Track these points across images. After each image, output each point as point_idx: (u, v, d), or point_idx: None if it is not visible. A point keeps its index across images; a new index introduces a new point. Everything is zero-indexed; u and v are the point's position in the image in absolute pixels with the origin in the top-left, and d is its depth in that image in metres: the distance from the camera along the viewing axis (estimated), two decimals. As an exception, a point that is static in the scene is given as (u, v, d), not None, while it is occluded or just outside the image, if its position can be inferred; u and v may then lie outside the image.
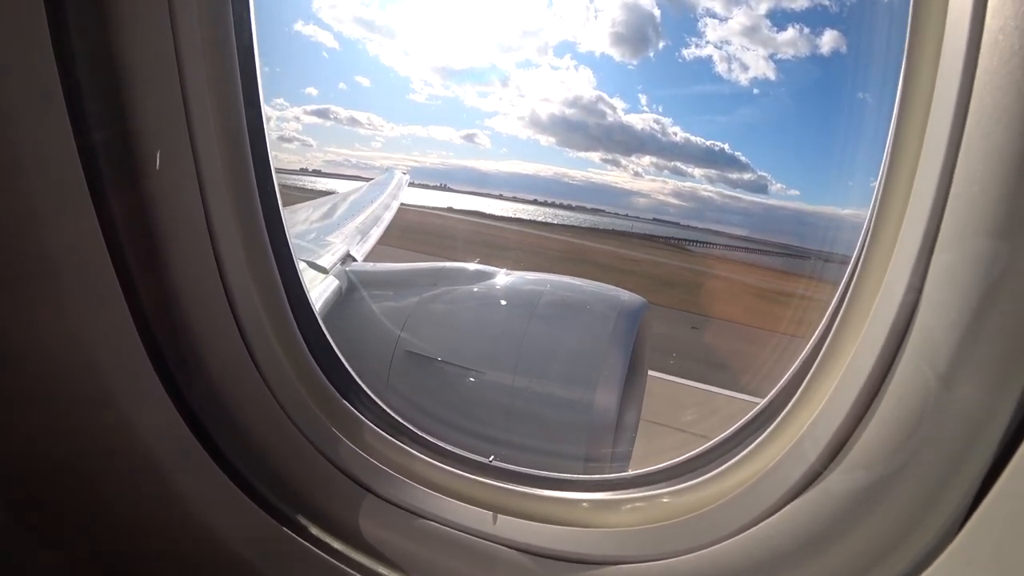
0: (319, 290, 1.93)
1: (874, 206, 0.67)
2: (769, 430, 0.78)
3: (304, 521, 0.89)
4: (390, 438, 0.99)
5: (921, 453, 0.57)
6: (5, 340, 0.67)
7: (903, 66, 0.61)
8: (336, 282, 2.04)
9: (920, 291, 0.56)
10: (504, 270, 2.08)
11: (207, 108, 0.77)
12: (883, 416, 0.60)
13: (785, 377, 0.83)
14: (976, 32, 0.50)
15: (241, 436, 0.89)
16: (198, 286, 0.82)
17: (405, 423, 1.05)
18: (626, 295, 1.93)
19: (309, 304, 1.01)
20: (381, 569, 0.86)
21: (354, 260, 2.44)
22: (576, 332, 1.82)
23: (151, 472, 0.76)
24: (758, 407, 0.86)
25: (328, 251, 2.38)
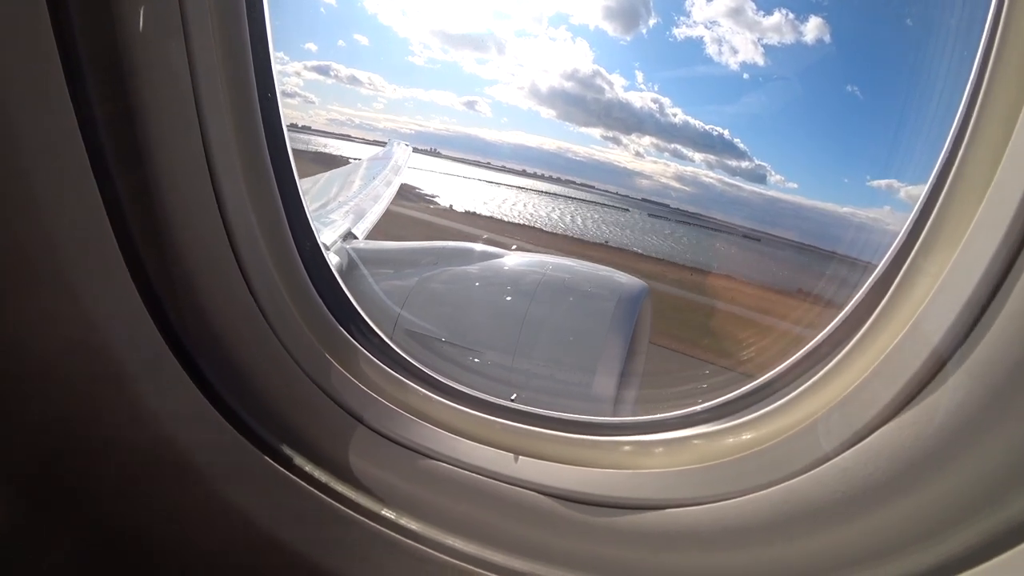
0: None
1: (954, 148, 0.60)
2: (830, 366, 0.69)
3: (290, 452, 0.83)
4: (396, 375, 0.92)
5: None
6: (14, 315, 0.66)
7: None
8: (336, 259, 2.03)
9: None
10: (506, 251, 2.07)
11: (215, 66, 0.74)
12: (969, 362, 0.52)
13: (847, 308, 0.73)
14: None
15: (226, 355, 0.82)
16: (186, 186, 0.76)
17: (414, 361, 0.97)
18: (626, 278, 1.93)
19: (308, 223, 0.93)
20: (386, 512, 0.80)
21: (355, 237, 2.43)
22: (576, 314, 1.82)
23: (119, 382, 0.70)
24: (816, 340, 0.76)
25: (329, 228, 2.37)
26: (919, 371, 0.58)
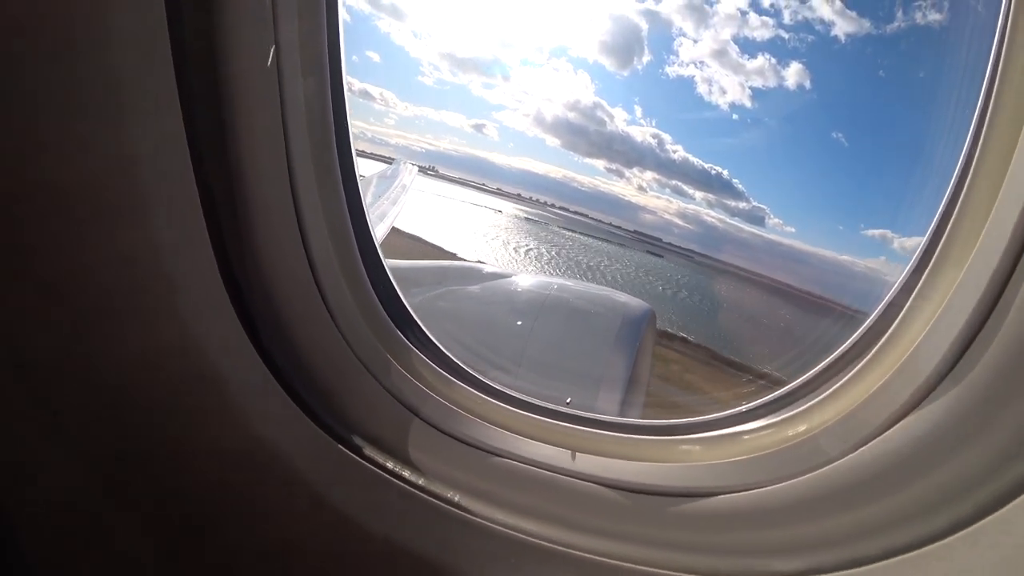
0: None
1: (961, 177, 0.67)
2: (859, 367, 0.77)
3: (360, 442, 0.88)
4: (450, 377, 0.98)
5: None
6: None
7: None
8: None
9: None
10: (511, 271, 2.09)
11: (299, 98, 0.80)
12: (1002, 337, 0.59)
13: (883, 302, 0.81)
14: None
15: (302, 361, 0.88)
16: (268, 200, 0.81)
17: (467, 368, 1.03)
18: (631, 300, 1.94)
19: (373, 239, 0.99)
20: (458, 498, 0.84)
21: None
22: (580, 336, 1.83)
23: (211, 384, 0.75)
24: (855, 335, 0.84)
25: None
26: (937, 367, 0.65)
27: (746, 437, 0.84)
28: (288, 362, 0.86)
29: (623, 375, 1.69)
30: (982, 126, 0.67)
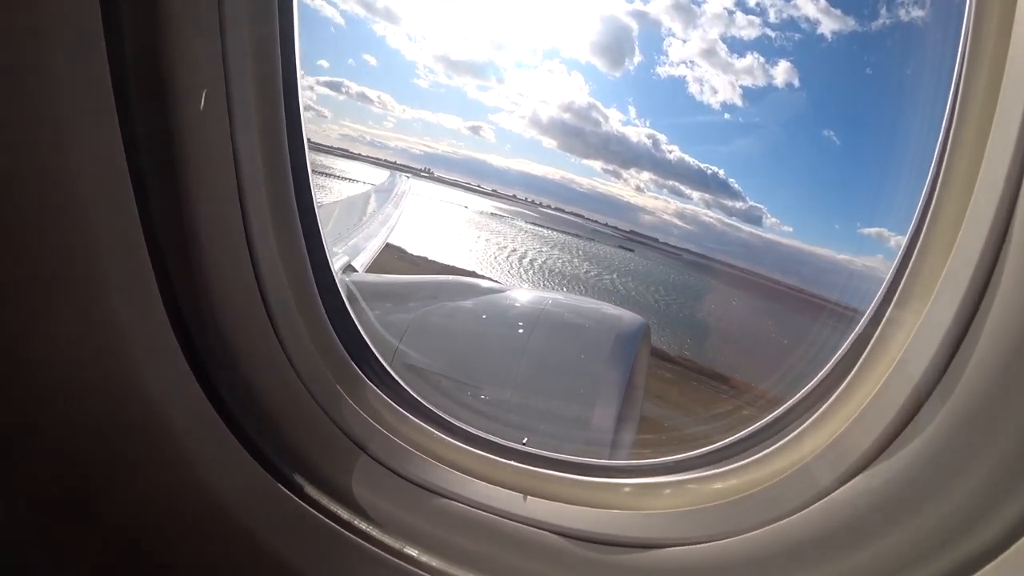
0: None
1: (924, 210, 0.66)
2: (819, 413, 0.75)
3: (302, 481, 0.84)
4: (404, 412, 0.95)
5: (989, 445, 0.55)
6: (31, 328, 0.67)
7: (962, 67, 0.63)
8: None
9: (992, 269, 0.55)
10: (505, 285, 2.09)
11: (249, 103, 0.76)
12: (950, 404, 0.58)
13: (834, 358, 0.79)
14: None
15: (246, 386, 0.84)
16: (216, 217, 0.78)
17: (424, 401, 1.00)
18: (625, 314, 1.94)
19: (331, 270, 0.96)
20: (388, 540, 0.81)
21: (354, 271, 2.44)
22: (575, 350, 1.83)
23: (134, 389, 0.71)
24: (806, 388, 0.83)
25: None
26: (897, 416, 0.64)
27: (696, 486, 0.82)
28: (236, 398, 0.83)
29: (618, 391, 1.68)
30: (941, 164, 0.66)
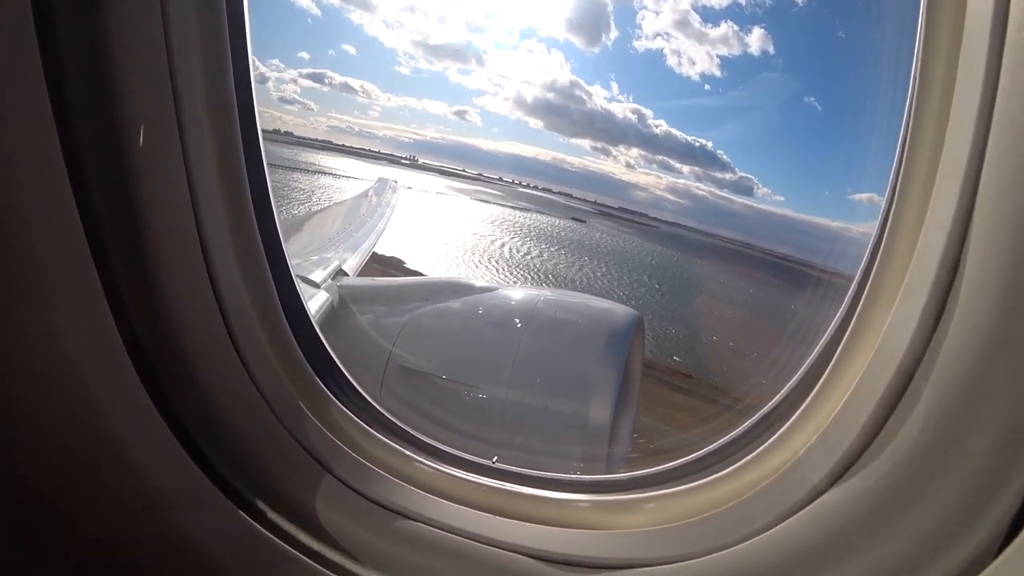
0: (310, 306, 1.91)
1: (889, 207, 0.65)
2: (789, 423, 0.74)
3: (264, 506, 0.80)
4: (371, 430, 0.92)
5: (959, 451, 0.54)
6: None
7: (919, 56, 0.61)
8: (327, 297, 2.03)
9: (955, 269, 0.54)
10: (497, 285, 2.09)
11: (198, 105, 0.72)
12: (918, 410, 0.57)
13: (802, 369, 0.78)
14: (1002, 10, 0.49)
15: (204, 406, 0.80)
16: (168, 227, 0.74)
17: (393, 419, 0.97)
18: (619, 308, 1.94)
19: (290, 273, 0.91)
20: (350, 565, 0.78)
21: (345, 275, 2.43)
22: (569, 347, 1.82)
23: (87, 407, 0.67)
24: (774, 400, 0.82)
25: (319, 266, 2.37)
26: (858, 437, 0.63)
27: (673, 501, 0.80)
28: (194, 419, 0.79)
29: (613, 386, 1.68)
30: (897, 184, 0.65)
